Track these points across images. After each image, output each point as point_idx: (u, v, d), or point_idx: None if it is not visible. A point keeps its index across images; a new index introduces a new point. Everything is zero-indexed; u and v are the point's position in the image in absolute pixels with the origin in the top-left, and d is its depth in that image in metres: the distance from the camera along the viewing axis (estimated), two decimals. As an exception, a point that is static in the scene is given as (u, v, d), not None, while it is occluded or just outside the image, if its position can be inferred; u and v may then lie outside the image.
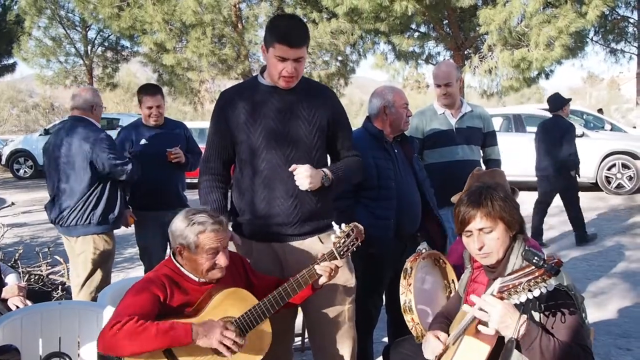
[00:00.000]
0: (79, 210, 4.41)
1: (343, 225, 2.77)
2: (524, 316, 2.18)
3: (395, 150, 3.73)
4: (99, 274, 4.50)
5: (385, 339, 4.13)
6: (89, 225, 4.43)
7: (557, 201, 11.58)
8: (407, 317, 3.02)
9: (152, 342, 2.37)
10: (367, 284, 3.38)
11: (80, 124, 4.46)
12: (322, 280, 2.78)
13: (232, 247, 3.06)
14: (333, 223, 2.83)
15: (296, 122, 2.92)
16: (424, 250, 3.29)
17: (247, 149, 2.95)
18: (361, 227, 2.81)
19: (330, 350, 3.04)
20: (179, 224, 2.63)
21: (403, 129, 3.76)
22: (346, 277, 3.03)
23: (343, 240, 2.75)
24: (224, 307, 2.62)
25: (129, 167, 4.42)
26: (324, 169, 2.91)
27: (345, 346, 3.03)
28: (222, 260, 2.63)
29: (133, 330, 2.35)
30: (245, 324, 2.64)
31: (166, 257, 2.80)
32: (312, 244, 2.95)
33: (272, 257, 3.01)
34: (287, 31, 2.79)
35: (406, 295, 3.04)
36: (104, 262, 4.52)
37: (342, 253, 2.75)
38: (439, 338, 2.53)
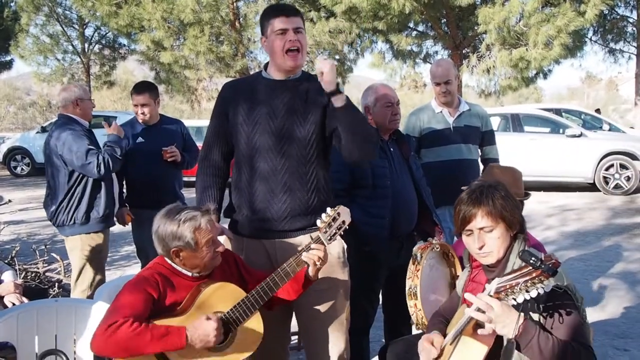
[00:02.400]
0: (64, 210, 4.42)
1: (328, 209, 2.72)
2: (521, 315, 2.17)
3: (391, 149, 3.71)
4: (90, 272, 4.49)
5: (382, 339, 4.12)
6: (74, 225, 4.43)
7: (558, 200, 11.64)
8: (410, 302, 3.02)
9: (146, 347, 2.38)
10: (362, 283, 3.36)
11: (64, 122, 4.47)
12: (310, 270, 2.74)
13: (224, 240, 3.06)
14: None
15: (291, 120, 2.90)
16: (434, 241, 3.28)
17: (244, 146, 2.95)
18: (347, 209, 2.76)
19: (322, 349, 3.02)
20: (167, 227, 2.60)
21: (389, 127, 3.72)
22: (340, 278, 3.01)
23: (329, 224, 2.71)
24: (212, 301, 2.61)
25: (92, 166, 4.28)
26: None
27: (336, 347, 3.01)
28: (219, 247, 2.66)
29: (128, 335, 2.35)
30: (234, 318, 2.62)
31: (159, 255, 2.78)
32: (302, 243, 2.91)
33: (262, 255, 2.99)
34: (280, 6, 2.91)
35: (412, 281, 3.04)
36: (93, 260, 4.50)
37: (329, 238, 2.71)
38: (432, 343, 2.51)
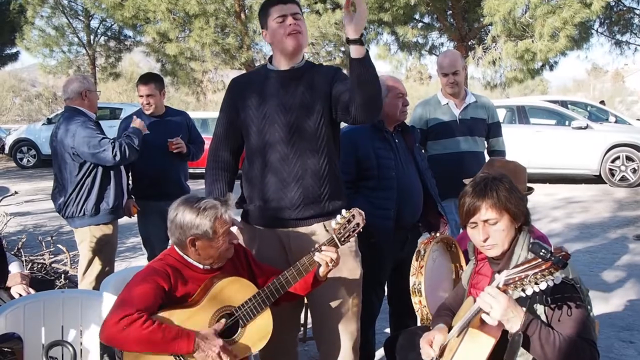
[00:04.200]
0: (73, 202, 4.42)
1: (343, 211, 2.73)
2: (523, 309, 2.17)
3: (396, 140, 3.70)
4: (97, 263, 4.51)
5: (387, 330, 4.13)
6: (84, 216, 4.43)
7: (564, 192, 11.61)
8: (414, 299, 3.02)
9: (156, 347, 2.42)
10: (368, 274, 3.36)
11: (71, 114, 4.46)
12: (321, 270, 2.75)
13: (235, 231, 3.07)
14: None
15: (301, 113, 2.91)
16: (437, 234, 3.28)
17: (255, 140, 2.96)
18: (362, 212, 2.77)
19: (334, 340, 3.03)
20: (187, 215, 2.60)
21: (399, 118, 3.72)
22: (352, 267, 3.02)
23: (344, 226, 2.72)
24: (224, 295, 2.63)
25: (107, 153, 4.26)
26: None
27: (348, 338, 3.02)
28: (233, 237, 2.69)
29: (140, 332, 2.38)
30: (246, 313, 2.64)
31: (169, 247, 2.79)
32: (316, 231, 2.94)
33: (276, 243, 3.01)
34: None
35: (416, 277, 3.04)
36: (102, 252, 4.51)
37: (342, 240, 2.72)
38: (432, 344, 2.51)
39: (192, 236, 2.60)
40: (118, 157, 4.28)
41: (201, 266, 2.68)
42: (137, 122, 4.63)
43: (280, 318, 2.82)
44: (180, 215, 2.62)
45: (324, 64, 19.82)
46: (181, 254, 2.69)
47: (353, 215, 2.73)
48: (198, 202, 2.63)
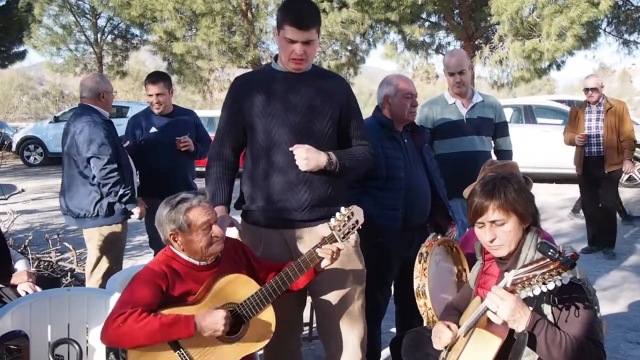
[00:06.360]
0: (86, 202, 4.40)
1: (342, 208, 2.73)
2: (530, 309, 2.17)
3: (405, 140, 3.69)
4: (105, 262, 4.51)
5: (393, 329, 4.12)
6: (97, 217, 4.42)
7: (571, 192, 11.55)
8: (419, 302, 3.01)
9: (155, 336, 2.41)
10: (374, 274, 3.36)
11: (83, 112, 4.46)
12: (324, 264, 2.75)
13: (236, 235, 3.07)
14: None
15: (310, 115, 2.91)
16: (439, 236, 3.27)
17: (261, 139, 2.95)
18: (360, 209, 2.77)
19: (340, 339, 3.02)
20: (162, 212, 2.66)
21: (407, 118, 3.71)
22: (356, 266, 3.02)
23: (343, 223, 2.72)
24: (226, 292, 2.63)
25: (100, 162, 4.27)
26: (330, 152, 2.90)
27: (355, 335, 3.01)
28: (217, 231, 2.65)
29: (136, 324, 2.38)
30: (248, 310, 2.64)
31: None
32: (320, 231, 2.92)
33: (281, 244, 3.00)
34: (296, 13, 2.80)
35: (420, 280, 3.03)
36: (111, 250, 4.52)
37: (342, 237, 2.72)
38: (449, 327, 2.51)
39: (171, 232, 2.63)
40: (104, 173, 4.29)
41: (197, 262, 2.69)
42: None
43: (284, 315, 2.82)
44: (159, 212, 2.68)
45: (330, 62, 19.89)
46: (176, 252, 2.70)
47: (352, 213, 2.73)
48: (174, 198, 2.67)
